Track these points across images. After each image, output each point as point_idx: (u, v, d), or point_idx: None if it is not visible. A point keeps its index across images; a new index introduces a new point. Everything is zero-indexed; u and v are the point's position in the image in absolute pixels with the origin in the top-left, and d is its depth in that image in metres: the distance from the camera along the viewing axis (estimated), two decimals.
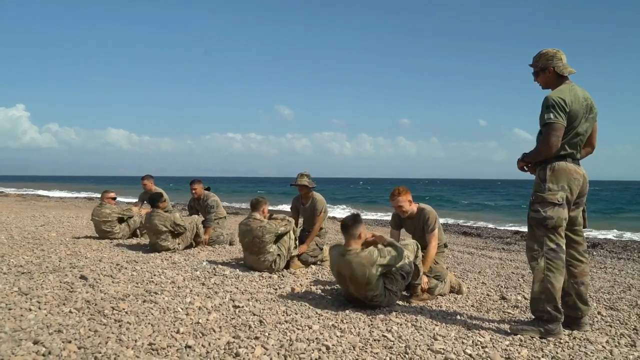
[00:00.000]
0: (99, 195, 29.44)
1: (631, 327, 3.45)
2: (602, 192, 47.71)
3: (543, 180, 3.04)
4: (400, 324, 3.25)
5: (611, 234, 13.21)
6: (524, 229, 11.24)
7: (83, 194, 32.10)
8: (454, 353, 2.72)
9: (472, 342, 2.92)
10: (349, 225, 3.60)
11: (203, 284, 4.20)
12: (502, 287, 4.76)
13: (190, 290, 3.93)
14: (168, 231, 6.01)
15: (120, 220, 7.14)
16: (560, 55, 3.13)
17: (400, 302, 3.87)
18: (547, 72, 3.16)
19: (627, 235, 13.11)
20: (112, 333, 2.78)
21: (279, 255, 5.00)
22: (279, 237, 5.07)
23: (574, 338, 3.08)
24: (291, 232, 5.22)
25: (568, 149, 3.05)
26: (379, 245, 3.68)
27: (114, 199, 7.34)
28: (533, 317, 3.14)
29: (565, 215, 3.02)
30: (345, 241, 3.63)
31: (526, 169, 3.25)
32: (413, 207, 4.21)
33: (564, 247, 3.03)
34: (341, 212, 21.38)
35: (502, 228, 14.14)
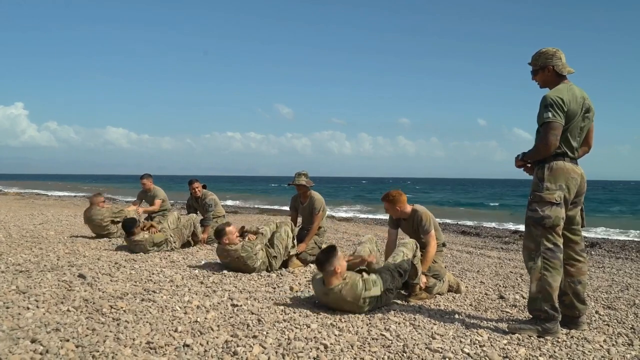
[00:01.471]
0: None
1: (629, 326, 3.46)
2: (602, 192, 47.73)
3: (541, 179, 3.05)
4: (399, 323, 3.25)
5: (610, 234, 13.23)
6: (523, 228, 11.27)
7: (82, 193, 32.08)
8: (452, 352, 2.72)
9: (470, 341, 2.93)
10: (322, 262, 3.43)
11: (201, 283, 4.20)
12: (500, 286, 4.77)
13: (189, 289, 3.93)
14: (155, 248, 5.86)
15: (114, 222, 6.93)
16: (560, 55, 3.14)
17: (399, 301, 3.87)
18: (546, 70, 3.17)
19: (626, 234, 13.13)
20: (110, 332, 2.78)
21: (275, 257, 4.95)
22: (270, 240, 5.02)
23: (572, 337, 3.09)
24: (289, 230, 5.21)
25: (566, 148, 3.05)
26: (364, 274, 3.53)
27: (104, 201, 7.12)
28: (531, 316, 3.15)
29: (562, 214, 3.02)
30: (325, 279, 3.46)
31: (524, 168, 3.26)
32: (407, 209, 4.22)
33: (561, 246, 3.03)
34: (341, 212, 21.38)
35: (501, 227, 14.17)
